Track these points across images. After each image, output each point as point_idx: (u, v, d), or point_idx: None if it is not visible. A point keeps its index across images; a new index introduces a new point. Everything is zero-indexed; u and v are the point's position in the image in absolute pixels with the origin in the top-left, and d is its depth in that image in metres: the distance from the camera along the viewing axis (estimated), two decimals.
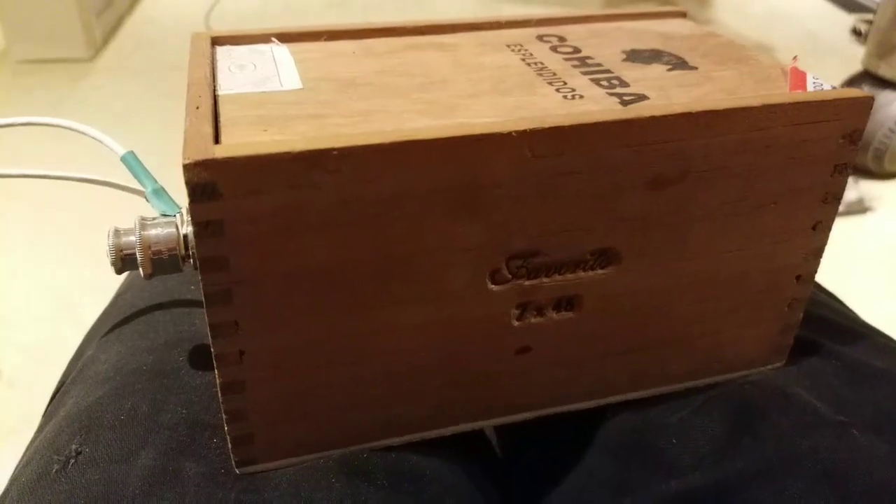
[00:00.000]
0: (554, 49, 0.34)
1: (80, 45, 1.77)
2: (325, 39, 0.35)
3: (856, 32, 2.09)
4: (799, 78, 0.31)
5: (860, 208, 1.40)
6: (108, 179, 0.34)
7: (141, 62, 1.81)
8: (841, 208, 1.39)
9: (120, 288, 0.43)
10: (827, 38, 2.11)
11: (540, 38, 0.36)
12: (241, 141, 0.25)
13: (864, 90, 1.27)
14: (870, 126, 1.43)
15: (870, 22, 1.69)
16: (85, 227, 1.15)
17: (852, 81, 1.49)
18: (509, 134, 0.25)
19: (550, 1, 2.28)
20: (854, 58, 1.51)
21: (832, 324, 0.38)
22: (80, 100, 1.62)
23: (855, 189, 1.41)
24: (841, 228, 1.33)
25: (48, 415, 0.36)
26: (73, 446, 0.30)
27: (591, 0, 2.30)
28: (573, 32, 0.36)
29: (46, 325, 1.01)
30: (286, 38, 0.35)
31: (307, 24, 0.36)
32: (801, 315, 0.35)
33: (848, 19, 2.19)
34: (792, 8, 2.32)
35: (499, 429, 0.40)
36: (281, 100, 0.28)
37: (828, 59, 1.94)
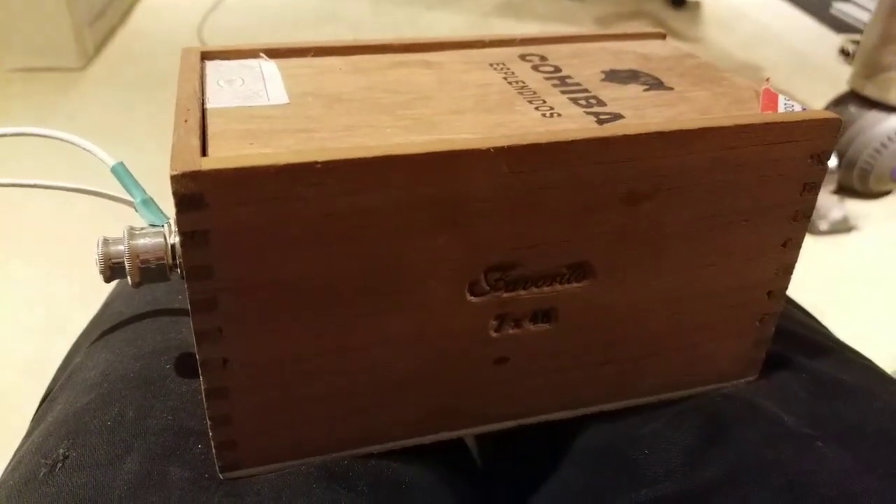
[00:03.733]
0: (535, 68, 0.35)
1: (72, 54, 1.78)
2: (313, 55, 0.36)
3: (843, 52, 2.12)
4: (771, 99, 0.32)
5: (845, 227, 1.42)
6: (98, 189, 0.35)
7: (132, 73, 1.81)
8: (826, 227, 1.41)
9: (108, 296, 0.43)
10: (815, 57, 2.14)
11: (522, 57, 0.37)
12: (227, 154, 0.26)
13: (851, 110, 1.29)
14: (855, 146, 1.45)
15: (857, 42, 1.72)
16: (74, 237, 1.16)
17: (839, 101, 1.51)
18: (487, 150, 0.26)
19: (542, 18, 2.30)
20: (841, 78, 1.53)
21: (803, 339, 0.39)
22: (70, 109, 1.62)
23: (840, 208, 1.43)
24: (826, 247, 1.35)
25: (36, 420, 0.36)
26: (61, 451, 0.31)
27: (582, 18, 2.32)
28: (555, 52, 0.37)
29: (36, 335, 1.01)
30: (274, 53, 0.35)
31: (296, 40, 0.36)
32: (773, 330, 0.36)
33: (836, 39, 2.22)
34: (780, 27, 2.35)
35: (479, 438, 0.41)
36: (268, 114, 0.29)
37: (815, 79, 1.97)
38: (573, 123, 0.29)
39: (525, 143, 0.26)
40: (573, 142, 0.27)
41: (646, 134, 0.28)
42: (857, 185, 1.50)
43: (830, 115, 0.30)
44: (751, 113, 0.31)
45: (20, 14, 1.71)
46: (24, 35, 1.74)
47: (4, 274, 1.13)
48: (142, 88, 1.72)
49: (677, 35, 2.22)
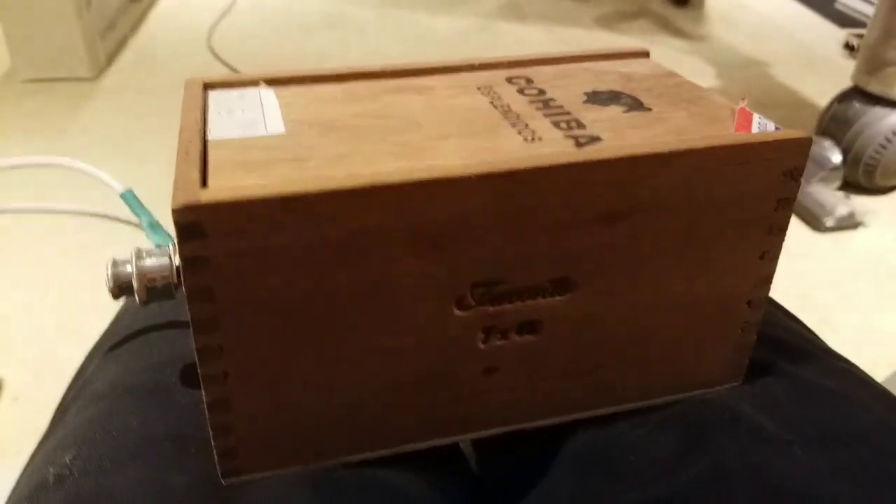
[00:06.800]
0: (521, 91, 0.37)
1: (85, 65, 1.81)
2: (311, 83, 0.37)
3: (848, 47, 2.12)
4: (745, 118, 0.33)
5: (852, 223, 1.42)
6: (107, 213, 0.37)
7: (144, 82, 1.84)
8: (833, 223, 1.42)
9: (119, 311, 0.45)
10: (819, 52, 2.14)
11: (509, 80, 0.38)
12: (226, 184, 0.28)
13: (856, 106, 1.31)
14: (860, 142, 1.45)
15: (861, 36, 1.72)
16: (86, 254, 1.18)
17: (843, 97, 1.51)
18: (469, 177, 0.28)
19: (545, 18, 2.31)
20: (846, 72, 1.53)
21: (787, 345, 0.40)
22: (84, 120, 1.65)
23: (846, 204, 1.43)
24: (833, 243, 1.36)
25: (49, 429, 0.38)
26: (67, 459, 0.33)
27: (584, 18, 2.33)
28: (541, 74, 0.39)
29: (50, 343, 1.04)
30: (274, 81, 0.37)
31: (294, 69, 0.38)
32: (755, 337, 0.37)
33: (840, 34, 2.22)
34: (785, 22, 2.35)
35: (476, 444, 0.43)
36: (265, 144, 0.31)
37: (820, 74, 1.97)
38: (553, 147, 0.31)
39: (505, 169, 0.28)
40: (550, 167, 0.28)
41: (620, 158, 0.29)
42: (862, 181, 1.50)
43: (800, 134, 0.31)
44: (722, 134, 0.32)
45: (32, 26, 1.74)
46: (37, 46, 1.78)
47: (22, 288, 1.16)
48: (154, 97, 1.75)
49: (681, 33, 2.23)
